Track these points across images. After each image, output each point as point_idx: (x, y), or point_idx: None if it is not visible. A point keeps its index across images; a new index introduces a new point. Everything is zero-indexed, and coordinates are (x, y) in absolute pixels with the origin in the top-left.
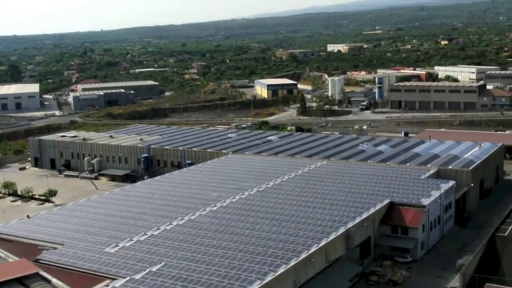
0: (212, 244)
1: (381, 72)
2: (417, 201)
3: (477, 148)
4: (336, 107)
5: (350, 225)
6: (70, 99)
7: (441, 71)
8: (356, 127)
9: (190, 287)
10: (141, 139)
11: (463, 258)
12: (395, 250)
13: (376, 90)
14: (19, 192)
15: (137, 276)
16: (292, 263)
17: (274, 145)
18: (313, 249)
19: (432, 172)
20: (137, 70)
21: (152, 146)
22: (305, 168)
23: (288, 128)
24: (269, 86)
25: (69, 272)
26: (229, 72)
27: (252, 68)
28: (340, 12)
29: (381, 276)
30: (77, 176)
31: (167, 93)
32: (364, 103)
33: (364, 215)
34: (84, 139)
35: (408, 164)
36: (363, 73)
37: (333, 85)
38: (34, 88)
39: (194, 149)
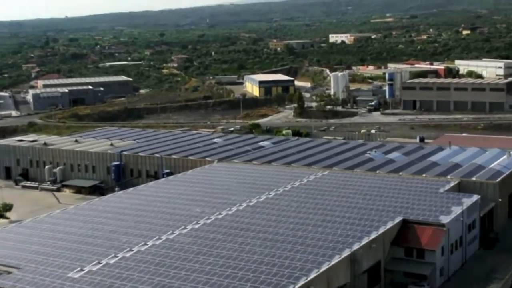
0: (193, 268)
1: (392, 67)
2: (435, 219)
3: (505, 156)
4: (339, 108)
5: (356, 247)
6: (29, 97)
7: (463, 65)
8: (363, 131)
9: None
10: (111, 145)
11: (490, 286)
12: (410, 277)
13: (386, 88)
14: None
15: None
16: None
17: (267, 152)
18: (312, 275)
19: (452, 184)
20: (108, 64)
21: (125, 152)
22: (303, 179)
23: (284, 132)
24: (261, 82)
25: None
26: (214, 67)
27: (241, 61)
28: None
29: None
30: (36, 188)
31: (142, 91)
32: (373, 103)
33: (373, 235)
34: (45, 144)
35: (424, 175)
36: (371, 68)
37: (336, 82)
38: None
39: (173, 156)
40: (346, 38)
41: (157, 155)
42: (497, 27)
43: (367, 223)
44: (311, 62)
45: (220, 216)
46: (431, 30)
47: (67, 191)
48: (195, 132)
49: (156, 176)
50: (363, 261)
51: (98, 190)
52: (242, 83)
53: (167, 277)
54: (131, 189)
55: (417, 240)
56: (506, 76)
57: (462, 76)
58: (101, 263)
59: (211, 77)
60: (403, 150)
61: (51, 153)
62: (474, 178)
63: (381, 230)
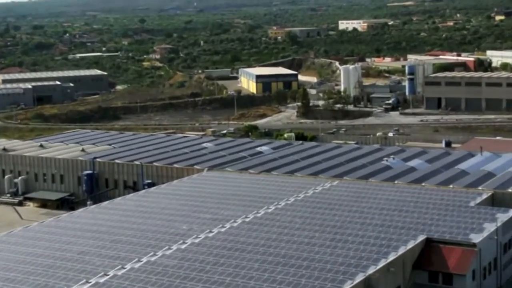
0: None
1: (412, 58)
2: (464, 238)
3: None
4: (351, 107)
5: (371, 270)
6: None
7: (496, 57)
8: (378, 134)
9: None
10: (82, 150)
11: None
12: None
13: (406, 83)
14: None
15: None
16: None
17: (266, 159)
18: None
19: (484, 197)
20: (78, 55)
21: (98, 159)
22: (308, 191)
23: (285, 135)
24: (258, 77)
25: None
26: (204, 59)
27: (235, 53)
28: None
29: None
30: None
31: (119, 87)
32: (390, 101)
33: (391, 257)
34: (4, 149)
35: (451, 186)
36: (388, 60)
37: (346, 76)
38: None
39: (155, 164)
40: (358, 25)
41: (137, 162)
42: None
43: (384, 242)
44: (318, 53)
45: (210, 235)
46: (458, 15)
47: (31, 205)
48: (181, 135)
49: (135, 188)
50: (379, 287)
51: (67, 204)
52: (236, 78)
53: None
54: (106, 202)
55: (444, 262)
56: None
57: (495, 69)
58: None
59: (200, 71)
60: (426, 157)
61: (12, 160)
62: (510, 190)
63: (401, 251)
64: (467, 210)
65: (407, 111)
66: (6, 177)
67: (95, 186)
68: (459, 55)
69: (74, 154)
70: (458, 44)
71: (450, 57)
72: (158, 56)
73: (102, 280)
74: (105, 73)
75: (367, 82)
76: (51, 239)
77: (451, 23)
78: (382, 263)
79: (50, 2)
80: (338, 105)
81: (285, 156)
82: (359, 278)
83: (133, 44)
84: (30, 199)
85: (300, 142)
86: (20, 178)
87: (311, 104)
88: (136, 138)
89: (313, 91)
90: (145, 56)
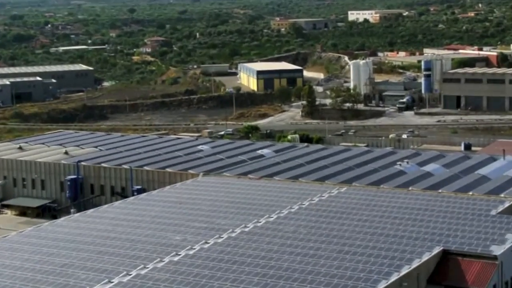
0: None
1: (429, 53)
2: (484, 250)
3: None
4: (361, 106)
5: (382, 285)
6: None
7: None
8: (391, 136)
9: None
10: (66, 153)
11: None
12: None
13: (422, 80)
14: None
15: None
16: None
17: (267, 163)
18: None
19: (507, 205)
20: (62, 49)
21: (83, 163)
22: (314, 198)
23: (289, 137)
24: (260, 73)
25: None
26: (199, 52)
27: (234, 46)
28: None
29: None
30: None
31: (106, 83)
32: (404, 100)
33: (404, 271)
34: None
35: (470, 193)
36: (402, 54)
37: (356, 72)
38: None
39: (146, 168)
40: (370, 16)
41: (126, 166)
42: None
43: (396, 255)
44: (325, 47)
45: (206, 246)
46: (480, 5)
47: (9, 213)
48: (174, 137)
49: (124, 194)
50: None
51: (48, 212)
52: (235, 74)
53: None
54: (92, 210)
55: (462, 276)
56: None
57: None
58: None
59: (195, 66)
60: (443, 161)
61: None
62: None
63: (415, 264)
64: (487, 219)
65: (422, 110)
66: None
67: (79, 192)
68: (480, 49)
69: (57, 157)
70: (479, 37)
71: (470, 52)
72: (149, 50)
73: None
74: (91, 68)
75: (379, 78)
76: (31, 250)
77: (472, 14)
78: (394, 277)
79: None
80: (347, 104)
81: (289, 160)
82: None
83: (122, 36)
84: (8, 207)
85: (305, 144)
86: None
87: (317, 102)
88: (125, 140)
89: (319, 89)
90: (135, 50)
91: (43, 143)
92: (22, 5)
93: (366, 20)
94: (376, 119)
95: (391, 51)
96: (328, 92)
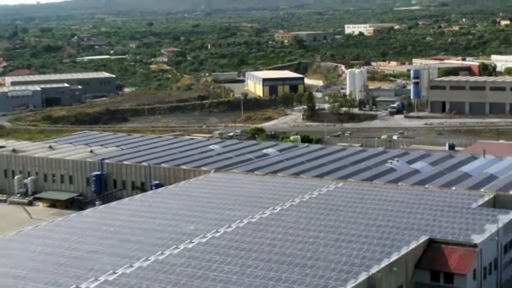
0: None
1: (418, 62)
2: (466, 238)
3: None
4: (356, 110)
5: (374, 270)
6: None
7: (501, 61)
8: (383, 137)
9: None
10: (91, 152)
11: None
12: None
13: (411, 87)
14: None
15: None
16: None
17: (272, 161)
18: None
19: (486, 199)
20: (87, 58)
21: (107, 160)
22: (313, 192)
23: (291, 137)
24: (265, 80)
25: None
26: (211, 62)
27: (242, 56)
28: None
29: None
30: (4, 201)
31: (126, 89)
32: (395, 105)
33: (394, 257)
34: (13, 150)
35: (453, 188)
36: (393, 64)
37: (352, 80)
38: None
39: (163, 165)
40: (364, 29)
41: (145, 163)
42: None
43: (387, 242)
44: (324, 57)
45: (217, 234)
46: (464, 20)
47: (40, 205)
48: (188, 137)
49: (143, 188)
50: (382, 286)
51: (75, 204)
52: (243, 81)
53: None
54: (114, 202)
55: (445, 262)
56: None
57: (500, 73)
58: (80, 287)
59: (207, 74)
60: (429, 159)
61: (21, 161)
62: (511, 192)
63: (404, 251)
64: (469, 212)
65: (411, 114)
66: (16, 177)
67: (103, 186)
68: (464, 60)
69: (83, 155)
70: (463, 49)
71: (455, 62)
72: (165, 59)
73: (111, 278)
74: (113, 76)
75: (372, 85)
76: (61, 238)
77: (456, 28)
78: (385, 263)
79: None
80: (343, 108)
81: (291, 158)
82: (362, 277)
83: (141, 47)
84: (40, 199)
85: (306, 144)
86: (29, 178)
87: (316, 107)
88: (144, 140)
89: (319, 95)
90: (152, 59)
91: (70, 143)
92: (51, 19)
93: (361, 33)
94: (370, 122)
95: (384, 61)
96: (326, 98)
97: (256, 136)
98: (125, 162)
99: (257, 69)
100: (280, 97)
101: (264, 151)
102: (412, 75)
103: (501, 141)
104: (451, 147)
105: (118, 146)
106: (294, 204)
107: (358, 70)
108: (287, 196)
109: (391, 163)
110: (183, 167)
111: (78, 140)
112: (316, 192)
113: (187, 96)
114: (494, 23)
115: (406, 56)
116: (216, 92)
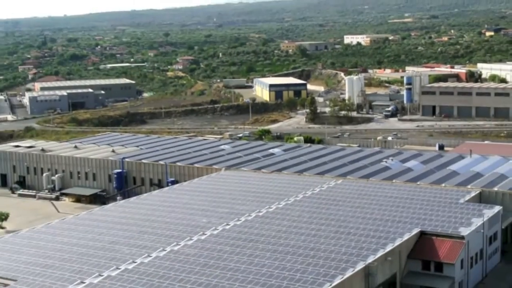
0: (199, 281)
1: (410, 70)
2: (454, 231)
3: None
4: (354, 113)
5: (371, 259)
6: (26, 100)
7: (486, 69)
8: (379, 138)
9: None
10: (113, 151)
11: None
12: None
13: (404, 92)
14: None
15: None
16: None
17: (277, 160)
18: None
19: (473, 195)
20: (109, 66)
21: (127, 159)
22: (315, 189)
23: (295, 138)
24: (271, 86)
25: None
26: (222, 69)
27: (250, 64)
28: None
29: None
30: (33, 196)
31: (145, 94)
32: (389, 109)
33: (389, 248)
34: (42, 150)
35: (443, 185)
36: (388, 71)
37: (351, 85)
38: None
39: (178, 164)
40: (362, 39)
41: (162, 162)
42: None
43: (382, 234)
44: (325, 65)
45: (227, 227)
46: (452, 31)
47: (66, 200)
48: (201, 138)
49: (160, 185)
50: (378, 274)
51: (99, 199)
52: (251, 87)
53: None
54: (134, 198)
55: (435, 252)
56: None
57: (485, 80)
58: (103, 275)
59: (218, 80)
60: (421, 158)
61: (49, 159)
62: (496, 188)
63: (397, 242)
64: (457, 206)
65: (405, 117)
66: (44, 174)
67: (124, 183)
68: (452, 67)
69: (105, 154)
70: (451, 58)
71: (444, 69)
72: (180, 67)
73: (130, 266)
74: (133, 82)
75: (369, 91)
76: (85, 230)
77: (445, 38)
78: (380, 253)
79: (84, 17)
80: (342, 112)
81: (295, 157)
82: (360, 266)
83: (158, 55)
84: (66, 195)
85: (308, 144)
86: (57, 175)
87: (318, 110)
88: (161, 141)
89: (320, 99)
90: (169, 67)
91: (94, 143)
92: (76, 30)
93: (358, 43)
94: (367, 124)
95: (379, 68)
96: (327, 102)
97: (263, 137)
98: (143, 161)
99: (264, 76)
100: (285, 101)
101: (271, 151)
102: (405, 82)
103: (486, 141)
104: (441, 147)
105: (137, 146)
106: (297, 199)
107: (356, 77)
108: (291, 192)
109: (386, 162)
110: (197, 165)
111: (101, 141)
112: (318, 188)
113: (200, 101)
114: (480, 34)
115: (399, 64)
116: (226, 97)
